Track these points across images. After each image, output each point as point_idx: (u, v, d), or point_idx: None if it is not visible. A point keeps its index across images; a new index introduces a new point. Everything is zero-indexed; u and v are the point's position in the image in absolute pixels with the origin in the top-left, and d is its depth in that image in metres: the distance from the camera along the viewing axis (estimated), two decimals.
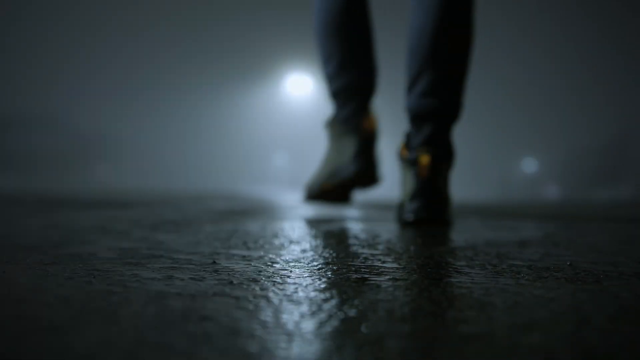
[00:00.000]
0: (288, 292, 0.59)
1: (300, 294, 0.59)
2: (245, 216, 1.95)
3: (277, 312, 0.50)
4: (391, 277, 0.70)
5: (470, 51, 1.51)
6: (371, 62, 1.75)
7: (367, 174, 1.72)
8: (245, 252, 0.92)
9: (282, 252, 0.94)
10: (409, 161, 1.52)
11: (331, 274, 0.72)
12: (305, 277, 0.69)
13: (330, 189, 1.81)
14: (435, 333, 0.43)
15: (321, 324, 0.46)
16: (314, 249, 0.99)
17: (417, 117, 1.54)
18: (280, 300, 0.55)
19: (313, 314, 0.49)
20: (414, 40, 1.53)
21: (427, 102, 1.51)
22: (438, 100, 1.51)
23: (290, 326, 0.45)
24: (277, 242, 1.10)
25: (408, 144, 1.58)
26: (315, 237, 1.22)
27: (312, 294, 0.59)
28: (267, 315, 0.49)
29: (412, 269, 0.77)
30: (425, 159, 1.47)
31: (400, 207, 1.55)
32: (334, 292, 0.60)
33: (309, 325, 0.45)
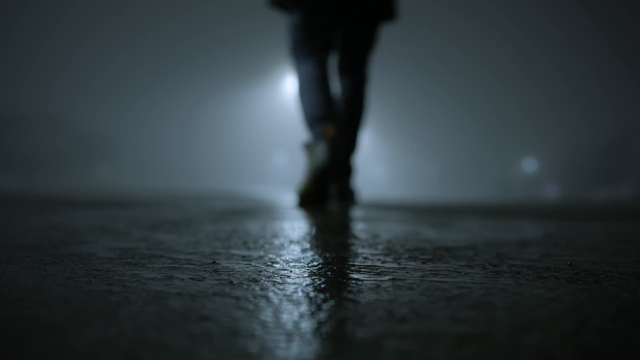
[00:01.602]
0: (288, 292, 0.59)
1: (300, 294, 0.59)
2: (245, 216, 1.95)
3: (277, 312, 0.50)
4: (391, 277, 0.70)
5: (367, 110, 3.02)
6: (331, 105, 2.78)
7: (338, 159, 2.63)
8: (245, 252, 0.92)
9: (282, 252, 0.94)
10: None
11: (331, 274, 0.71)
12: (305, 277, 0.69)
13: (314, 190, 2.66)
14: (435, 333, 0.43)
15: (321, 324, 0.46)
16: (314, 249, 0.99)
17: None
18: (280, 300, 0.55)
19: (313, 314, 0.49)
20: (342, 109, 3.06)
21: (346, 140, 3.04)
22: (351, 138, 3.06)
23: (290, 326, 0.45)
24: (277, 242, 1.10)
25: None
26: (315, 237, 1.22)
27: (312, 294, 0.59)
28: (267, 315, 0.49)
29: (411, 269, 0.77)
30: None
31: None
32: (334, 292, 0.60)
33: (308, 325, 0.45)
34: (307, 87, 2.75)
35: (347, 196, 3.07)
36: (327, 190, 2.67)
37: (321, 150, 2.61)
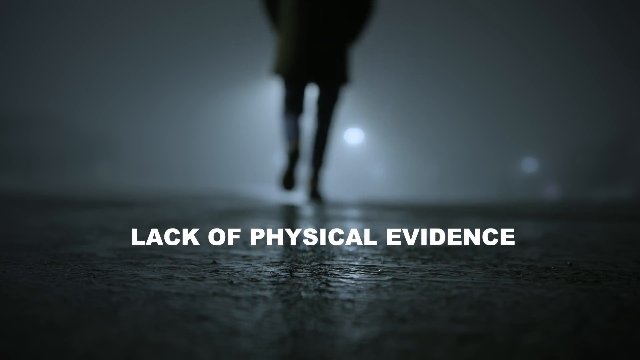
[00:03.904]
0: (288, 292, 0.59)
1: (300, 294, 0.59)
2: (245, 216, 1.95)
3: (276, 312, 0.50)
4: (391, 277, 0.70)
5: (330, 142, 4.46)
6: (297, 134, 4.24)
7: (298, 154, 4.20)
8: (245, 252, 0.92)
9: (282, 251, 0.94)
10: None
11: (331, 274, 0.72)
12: (306, 277, 0.69)
13: (288, 174, 4.16)
14: (435, 333, 0.43)
15: (321, 324, 0.46)
16: (314, 249, 0.99)
17: (312, 164, 4.36)
18: (280, 301, 0.55)
19: (312, 314, 0.49)
20: (312, 140, 4.40)
21: (316, 161, 4.37)
22: (319, 160, 4.38)
23: (289, 326, 0.45)
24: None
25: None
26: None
27: (312, 294, 0.59)
28: (266, 315, 0.49)
29: (411, 269, 0.77)
30: (314, 179, 4.31)
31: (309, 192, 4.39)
32: (335, 292, 0.60)
33: (308, 325, 0.45)
34: (286, 125, 4.31)
35: (316, 197, 4.25)
36: (295, 176, 4.17)
37: (290, 150, 4.20)
